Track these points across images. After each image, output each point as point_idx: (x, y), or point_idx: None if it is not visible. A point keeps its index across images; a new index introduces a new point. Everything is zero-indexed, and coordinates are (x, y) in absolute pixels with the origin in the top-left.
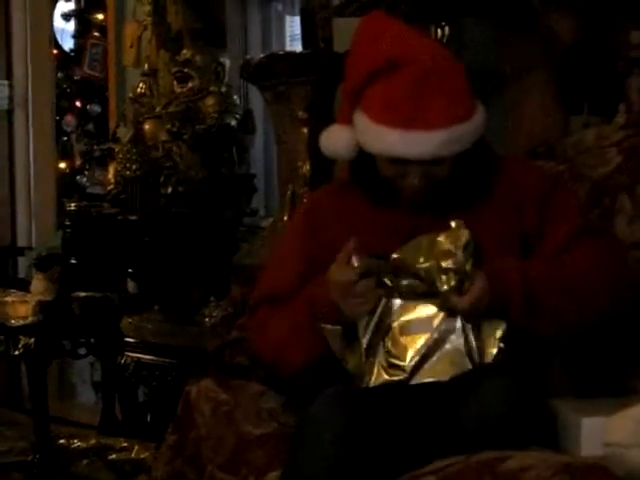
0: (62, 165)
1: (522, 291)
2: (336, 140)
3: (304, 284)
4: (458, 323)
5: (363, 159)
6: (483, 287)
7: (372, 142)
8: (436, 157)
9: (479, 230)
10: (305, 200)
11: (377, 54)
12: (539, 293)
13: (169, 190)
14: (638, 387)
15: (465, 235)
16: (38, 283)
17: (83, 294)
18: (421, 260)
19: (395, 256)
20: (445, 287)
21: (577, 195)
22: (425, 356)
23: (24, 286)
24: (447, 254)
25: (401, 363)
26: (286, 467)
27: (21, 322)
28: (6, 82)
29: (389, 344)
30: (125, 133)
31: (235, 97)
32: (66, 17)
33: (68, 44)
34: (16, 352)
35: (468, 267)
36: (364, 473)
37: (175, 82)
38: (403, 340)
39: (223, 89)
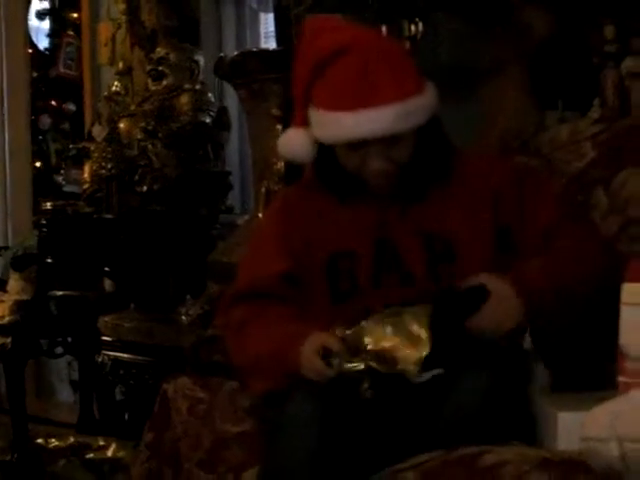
0: (38, 164)
1: (524, 298)
2: (293, 143)
3: (280, 280)
4: None
5: (325, 156)
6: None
7: (327, 131)
8: (392, 133)
9: (449, 220)
10: (278, 195)
11: (319, 47)
12: (537, 297)
13: (144, 188)
14: (614, 380)
15: (429, 309)
16: (15, 283)
17: (60, 293)
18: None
19: (369, 345)
20: (411, 367)
21: (549, 181)
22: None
23: (1, 286)
24: (413, 338)
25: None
26: (265, 463)
27: None
28: None
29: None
30: (100, 132)
31: (210, 95)
32: (41, 16)
33: (43, 43)
34: None
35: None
36: (344, 467)
37: (150, 80)
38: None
39: (198, 87)
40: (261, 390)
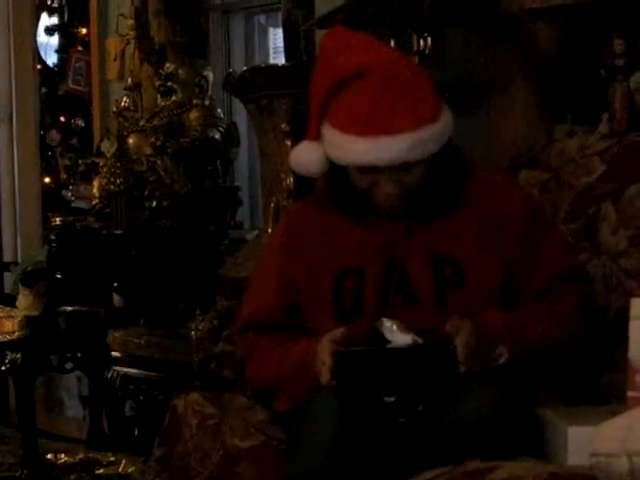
0: (47, 180)
1: (510, 342)
2: (306, 157)
3: (284, 312)
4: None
5: (336, 173)
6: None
7: (340, 153)
8: (404, 162)
9: (459, 242)
10: (283, 216)
11: (340, 65)
12: (524, 343)
13: (154, 204)
14: (611, 393)
15: None
16: (24, 298)
17: (69, 309)
18: None
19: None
20: None
21: (558, 229)
22: None
23: (10, 301)
24: None
25: None
26: (285, 465)
27: (7, 337)
28: None
29: None
30: (109, 147)
31: (219, 110)
32: (49, 31)
33: (52, 59)
34: (3, 367)
35: None
36: (358, 471)
37: (159, 96)
38: None
39: (207, 102)
40: (287, 407)
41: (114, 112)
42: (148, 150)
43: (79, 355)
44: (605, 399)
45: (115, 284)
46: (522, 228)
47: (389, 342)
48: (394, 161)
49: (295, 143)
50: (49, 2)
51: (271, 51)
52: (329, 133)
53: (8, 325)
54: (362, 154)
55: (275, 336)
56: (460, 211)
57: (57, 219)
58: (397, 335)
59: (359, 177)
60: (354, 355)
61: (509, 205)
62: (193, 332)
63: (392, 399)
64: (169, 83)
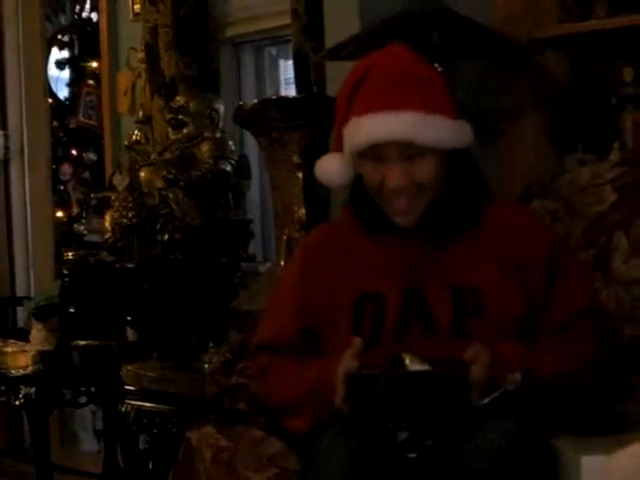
0: (59, 214)
1: (523, 369)
2: (329, 167)
3: (300, 335)
4: None
5: (358, 187)
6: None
7: (351, 139)
8: (407, 138)
9: (480, 272)
10: (301, 243)
11: (356, 69)
12: (537, 372)
13: (166, 237)
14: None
15: None
16: (37, 333)
17: (82, 343)
18: None
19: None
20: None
21: (582, 266)
22: None
23: (23, 336)
24: None
25: None
26: None
27: (21, 372)
28: (1, 132)
29: None
30: (121, 181)
31: (230, 142)
32: (60, 65)
33: (63, 92)
34: (17, 402)
35: None
36: None
37: (170, 129)
38: None
39: (218, 135)
40: (303, 428)
41: (125, 145)
42: (160, 183)
43: (93, 389)
44: (619, 428)
45: (128, 318)
46: (545, 264)
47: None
48: (396, 134)
49: (307, 175)
50: (60, 36)
51: (282, 83)
52: (347, 128)
53: (22, 360)
54: (365, 131)
55: (289, 357)
56: (482, 240)
57: (70, 253)
58: (413, 365)
59: (369, 172)
60: (366, 379)
61: (534, 240)
62: (206, 365)
63: (405, 435)
64: (180, 116)
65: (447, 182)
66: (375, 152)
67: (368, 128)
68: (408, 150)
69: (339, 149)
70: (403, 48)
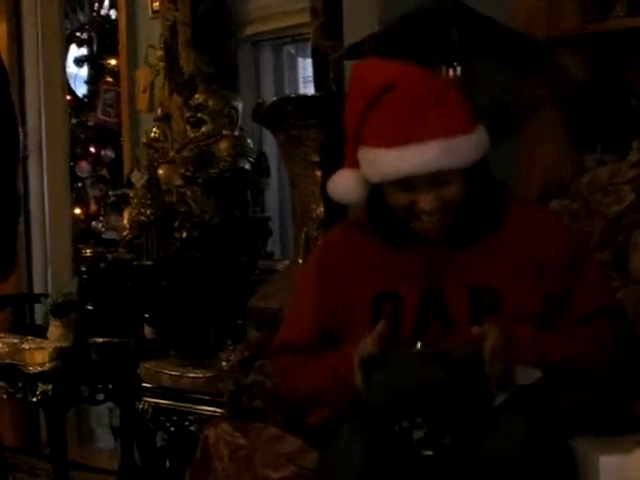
0: (77, 211)
1: (536, 360)
2: (343, 184)
3: (320, 337)
4: None
5: (376, 199)
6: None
7: (372, 170)
8: (438, 168)
9: (498, 271)
10: (319, 243)
11: (368, 85)
12: (548, 356)
13: (184, 234)
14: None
15: None
16: (55, 330)
17: (100, 340)
18: None
19: None
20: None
21: (599, 267)
22: None
23: (41, 333)
24: None
25: None
26: None
27: (39, 369)
28: (20, 129)
29: None
30: (139, 178)
31: (249, 140)
32: (79, 62)
33: (81, 90)
34: (34, 399)
35: None
36: None
37: (188, 126)
38: None
39: (236, 133)
40: (324, 420)
41: (144, 143)
42: (178, 181)
43: (110, 386)
44: (635, 428)
45: (146, 315)
46: (564, 263)
47: None
48: (426, 167)
49: (325, 173)
50: (78, 33)
51: (300, 81)
52: (363, 153)
53: (39, 357)
54: (393, 165)
55: (310, 355)
56: (502, 240)
57: (87, 250)
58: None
59: (397, 196)
60: (378, 358)
61: (553, 240)
62: (224, 363)
63: (420, 434)
64: (199, 114)
65: (469, 190)
66: (402, 181)
67: (396, 163)
68: (436, 177)
69: (352, 165)
70: (412, 65)
